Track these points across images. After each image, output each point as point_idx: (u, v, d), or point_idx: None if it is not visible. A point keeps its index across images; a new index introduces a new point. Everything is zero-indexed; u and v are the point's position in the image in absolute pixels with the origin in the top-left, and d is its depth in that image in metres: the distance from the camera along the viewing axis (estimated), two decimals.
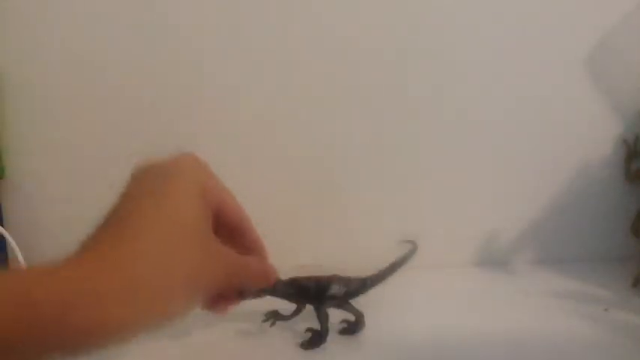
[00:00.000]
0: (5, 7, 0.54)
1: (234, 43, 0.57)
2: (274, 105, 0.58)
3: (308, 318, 0.45)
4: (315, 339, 0.45)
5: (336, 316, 0.46)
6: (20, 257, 0.49)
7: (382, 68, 0.58)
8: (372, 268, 0.47)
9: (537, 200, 0.63)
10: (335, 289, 0.45)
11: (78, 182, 0.58)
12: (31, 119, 0.56)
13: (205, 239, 0.27)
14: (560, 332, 0.47)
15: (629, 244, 0.60)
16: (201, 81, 0.57)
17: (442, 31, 0.58)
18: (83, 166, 0.58)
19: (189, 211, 0.27)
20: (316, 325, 0.45)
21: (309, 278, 0.45)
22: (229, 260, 0.29)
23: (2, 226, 0.53)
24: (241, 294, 0.33)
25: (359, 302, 0.46)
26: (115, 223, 0.25)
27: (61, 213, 0.58)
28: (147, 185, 0.27)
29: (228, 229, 0.31)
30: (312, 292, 0.45)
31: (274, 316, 0.47)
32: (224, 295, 0.31)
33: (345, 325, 0.47)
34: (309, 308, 0.46)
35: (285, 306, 0.47)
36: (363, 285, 0.46)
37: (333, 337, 0.45)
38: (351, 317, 0.47)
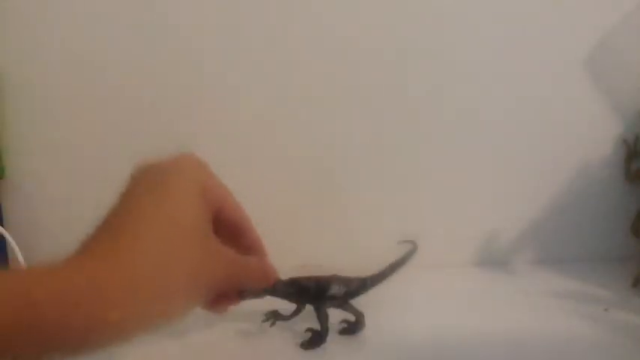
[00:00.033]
0: (5, 7, 0.54)
1: (234, 43, 0.57)
2: (274, 105, 0.58)
3: (308, 318, 0.45)
4: (315, 339, 0.45)
5: (336, 316, 0.46)
6: (20, 257, 0.49)
7: (382, 68, 0.58)
8: (372, 268, 0.47)
9: (537, 200, 0.63)
10: (335, 289, 0.45)
11: (78, 182, 0.58)
12: (31, 119, 0.56)
13: (205, 239, 0.27)
14: (560, 332, 0.47)
15: (629, 244, 0.60)
16: (201, 81, 0.57)
17: (442, 31, 0.58)
18: (83, 166, 0.58)
19: (190, 211, 0.27)
20: (316, 325, 0.45)
21: (309, 278, 0.45)
22: (229, 260, 0.29)
23: (2, 226, 0.53)
24: (241, 294, 0.34)
25: (359, 302, 0.46)
26: (115, 223, 0.25)
27: (61, 213, 0.58)
28: (147, 185, 0.27)
29: (228, 228, 0.31)
30: (312, 292, 0.45)
31: (274, 316, 0.47)
32: (224, 295, 0.31)
33: (345, 325, 0.47)
34: (309, 308, 0.46)
35: (285, 306, 0.47)
36: (363, 285, 0.46)
37: (333, 337, 0.45)
38: (351, 317, 0.47)
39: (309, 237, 0.61)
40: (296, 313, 0.47)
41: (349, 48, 0.58)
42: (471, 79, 0.60)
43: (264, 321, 0.47)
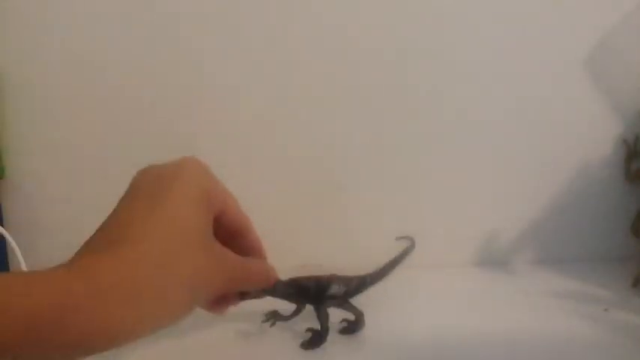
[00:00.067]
0: (5, 7, 0.54)
1: (234, 43, 0.57)
2: (274, 105, 0.58)
3: (308, 318, 0.45)
4: (315, 339, 0.44)
5: (336, 315, 0.46)
6: (20, 257, 0.49)
7: (382, 68, 0.58)
8: (371, 268, 0.47)
9: (537, 200, 0.63)
10: (335, 289, 0.45)
11: (78, 182, 0.58)
12: (31, 119, 0.56)
13: (207, 241, 0.27)
14: (560, 332, 0.47)
15: (629, 244, 0.60)
16: (201, 81, 0.57)
17: (442, 31, 0.58)
18: (83, 166, 0.58)
19: (191, 214, 0.27)
20: (316, 325, 0.45)
21: (309, 278, 0.45)
22: (230, 262, 0.29)
23: (2, 226, 0.53)
24: (241, 295, 0.34)
25: (359, 301, 0.46)
26: (117, 226, 0.25)
27: (61, 213, 0.58)
28: (148, 188, 0.27)
29: (229, 230, 0.31)
30: (312, 292, 0.45)
31: (274, 317, 0.47)
32: (224, 296, 0.31)
33: (345, 324, 0.47)
34: (309, 308, 0.46)
35: (285, 306, 0.47)
36: (362, 283, 0.46)
37: (333, 337, 0.45)
38: (351, 317, 0.47)
39: (309, 237, 0.61)
40: (296, 313, 0.47)
41: (349, 48, 0.58)
42: (471, 79, 0.60)
43: (264, 321, 0.47)
